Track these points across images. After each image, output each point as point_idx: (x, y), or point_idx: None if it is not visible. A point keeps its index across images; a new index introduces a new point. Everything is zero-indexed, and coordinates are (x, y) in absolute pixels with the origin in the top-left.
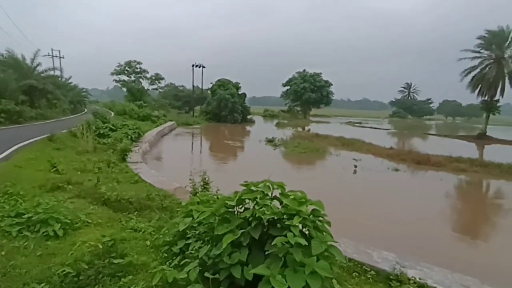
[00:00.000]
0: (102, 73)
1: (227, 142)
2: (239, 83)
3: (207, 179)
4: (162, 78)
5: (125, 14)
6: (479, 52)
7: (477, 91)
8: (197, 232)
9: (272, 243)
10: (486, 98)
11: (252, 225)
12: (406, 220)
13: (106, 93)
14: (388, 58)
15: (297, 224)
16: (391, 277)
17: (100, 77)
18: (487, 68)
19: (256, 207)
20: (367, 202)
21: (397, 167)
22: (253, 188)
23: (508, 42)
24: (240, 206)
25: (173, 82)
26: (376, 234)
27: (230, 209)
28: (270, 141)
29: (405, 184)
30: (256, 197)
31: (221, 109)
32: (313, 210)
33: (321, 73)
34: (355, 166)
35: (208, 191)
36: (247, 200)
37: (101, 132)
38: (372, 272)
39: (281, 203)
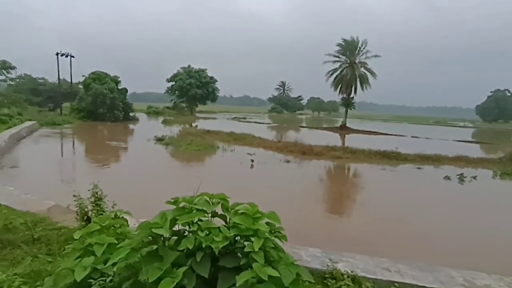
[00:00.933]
0: None
1: (109, 143)
2: (118, 77)
3: (99, 193)
4: (12, 67)
5: None
6: (338, 57)
7: (338, 89)
8: (108, 280)
9: (238, 284)
10: (345, 95)
11: (198, 259)
12: (292, 205)
13: None
14: (262, 58)
15: (258, 249)
16: (326, 275)
17: None
18: (344, 71)
19: (200, 233)
20: (262, 192)
21: (287, 159)
22: (183, 205)
23: (357, 50)
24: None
25: (29, 74)
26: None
27: (157, 240)
28: (159, 139)
29: (296, 173)
30: (195, 219)
31: (97, 105)
32: (266, 224)
33: (206, 69)
34: (252, 161)
35: (102, 210)
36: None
37: None
38: None
39: (225, 222)
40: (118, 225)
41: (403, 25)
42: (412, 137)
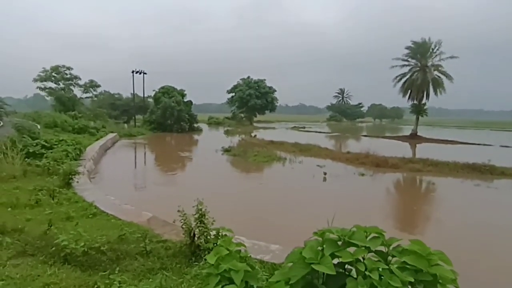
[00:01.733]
0: (19, 81)
1: (182, 154)
2: (184, 90)
3: (203, 209)
4: (98, 86)
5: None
6: (407, 60)
7: (407, 95)
8: None
9: None
10: (415, 101)
11: None
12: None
13: (24, 102)
14: (316, 66)
15: None
16: None
17: (16, 84)
18: (415, 75)
19: (374, 275)
20: (349, 207)
21: (360, 171)
22: (333, 235)
23: (429, 52)
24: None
25: (108, 90)
26: None
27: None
28: (227, 150)
29: (375, 187)
30: (359, 257)
31: (166, 118)
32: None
33: (265, 80)
34: (325, 174)
35: (206, 228)
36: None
37: (31, 150)
38: None
39: (384, 261)
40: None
41: (477, 20)
42: (502, 146)
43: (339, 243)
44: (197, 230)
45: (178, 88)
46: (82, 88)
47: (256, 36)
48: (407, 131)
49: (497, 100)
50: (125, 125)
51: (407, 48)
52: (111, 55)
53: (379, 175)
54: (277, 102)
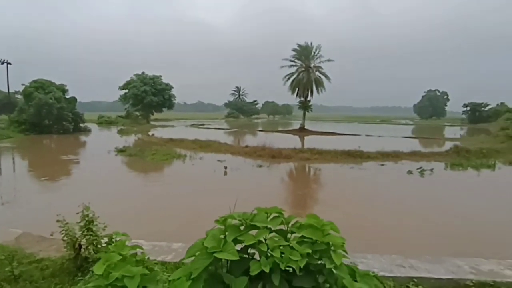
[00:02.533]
0: None
1: (65, 158)
2: (65, 85)
3: (90, 215)
4: None
5: None
6: (294, 61)
7: (295, 93)
8: None
9: None
10: (302, 98)
11: (276, 282)
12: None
13: None
14: (213, 65)
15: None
16: None
17: None
18: (301, 75)
19: (276, 254)
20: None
21: (258, 163)
22: (238, 220)
23: (312, 55)
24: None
25: None
26: None
27: (215, 266)
28: (121, 150)
29: (272, 177)
30: (262, 238)
31: (42, 117)
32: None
33: (161, 76)
34: (225, 168)
35: (96, 235)
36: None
37: None
38: None
39: (284, 238)
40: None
41: (342, 28)
42: (367, 135)
43: (242, 228)
44: (83, 239)
45: (58, 83)
46: None
47: (149, 32)
48: (296, 125)
49: (361, 98)
50: None
51: (294, 50)
52: None
53: (275, 166)
54: (175, 100)
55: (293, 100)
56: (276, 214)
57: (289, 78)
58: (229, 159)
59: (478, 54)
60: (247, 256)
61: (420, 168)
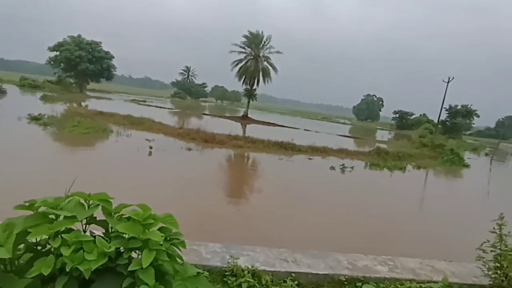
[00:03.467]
0: None
1: None
2: None
3: None
4: None
5: None
6: (244, 48)
7: (242, 80)
8: None
9: None
10: (248, 86)
11: (58, 287)
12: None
13: None
14: (163, 40)
15: (148, 266)
16: (226, 272)
17: None
18: (249, 62)
19: (65, 251)
20: (158, 184)
21: (189, 146)
22: (42, 210)
23: (262, 44)
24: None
25: None
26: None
27: None
28: (35, 118)
29: (197, 161)
30: (59, 230)
31: None
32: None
33: (101, 43)
34: (150, 148)
35: None
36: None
37: None
38: (206, 273)
39: (107, 231)
40: None
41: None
42: (305, 130)
43: (52, 216)
44: None
45: None
46: None
47: None
48: (242, 113)
49: (308, 94)
50: None
51: (245, 36)
52: None
53: (205, 150)
54: (115, 70)
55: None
56: (98, 202)
57: (237, 64)
58: (160, 139)
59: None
60: (40, 250)
61: (342, 165)
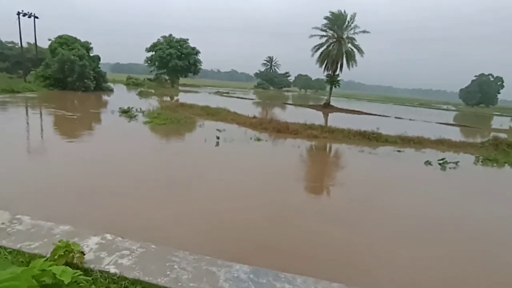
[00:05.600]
0: None
1: (59, 113)
2: (90, 43)
3: None
4: None
5: None
6: (325, 31)
7: (323, 66)
8: None
9: None
10: (330, 72)
11: None
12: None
13: None
14: (248, 34)
15: None
16: None
17: None
18: (331, 46)
19: None
20: (216, 178)
21: (259, 137)
22: None
23: (345, 25)
24: None
25: None
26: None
27: None
28: (125, 111)
29: (265, 153)
30: None
31: (65, 73)
32: None
33: (188, 39)
34: (218, 138)
35: None
36: None
37: None
38: None
39: None
40: None
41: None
42: (396, 118)
43: None
44: None
45: (83, 40)
46: None
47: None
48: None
49: (405, 79)
50: (20, 80)
51: (326, 18)
52: None
53: (275, 141)
54: (201, 65)
55: None
56: None
57: (318, 49)
58: (232, 129)
59: None
60: None
61: (443, 159)
